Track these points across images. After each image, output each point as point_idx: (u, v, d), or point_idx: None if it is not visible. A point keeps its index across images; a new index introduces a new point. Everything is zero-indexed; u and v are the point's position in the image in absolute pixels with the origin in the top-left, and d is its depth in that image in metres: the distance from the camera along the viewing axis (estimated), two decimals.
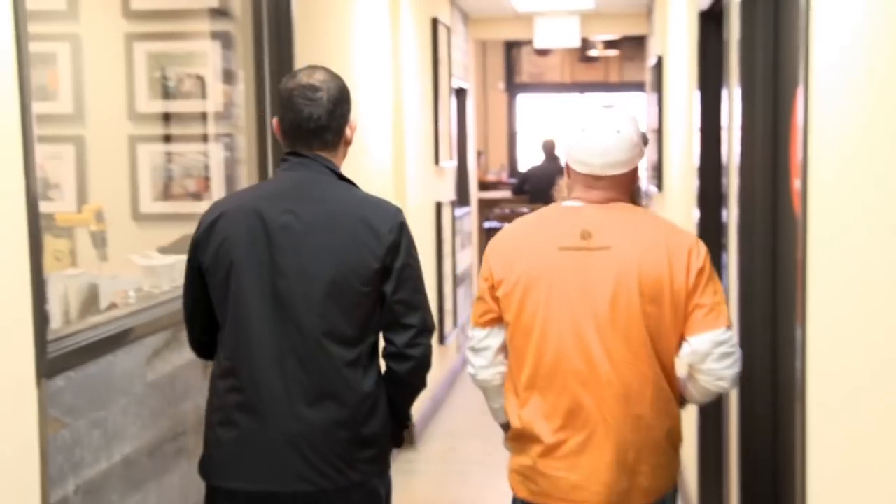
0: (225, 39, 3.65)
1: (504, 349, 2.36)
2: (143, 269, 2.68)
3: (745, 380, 2.65)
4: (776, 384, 2.51)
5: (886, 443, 1.29)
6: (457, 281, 7.02)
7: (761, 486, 2.59)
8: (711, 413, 3.52)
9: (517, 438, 2.33)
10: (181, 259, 2.80)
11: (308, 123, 2.24)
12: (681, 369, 2.31)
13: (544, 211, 2.46)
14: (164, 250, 3.07)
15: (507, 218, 9.96)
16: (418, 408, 4.54)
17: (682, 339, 2.23)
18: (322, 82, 2.26)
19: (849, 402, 1.50)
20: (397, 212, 2.30)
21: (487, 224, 10.09)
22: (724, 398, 3.02)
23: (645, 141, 2.34)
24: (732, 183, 2.82)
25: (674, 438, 2.31)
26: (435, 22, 6.30)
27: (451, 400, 6.03)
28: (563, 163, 2.41)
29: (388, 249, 2.22)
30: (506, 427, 2.40)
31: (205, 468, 2.27)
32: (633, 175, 2.34)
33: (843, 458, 1.54)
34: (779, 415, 2.48)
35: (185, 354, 2.49)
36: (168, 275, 2.69)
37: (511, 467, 2.37)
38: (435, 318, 2.44)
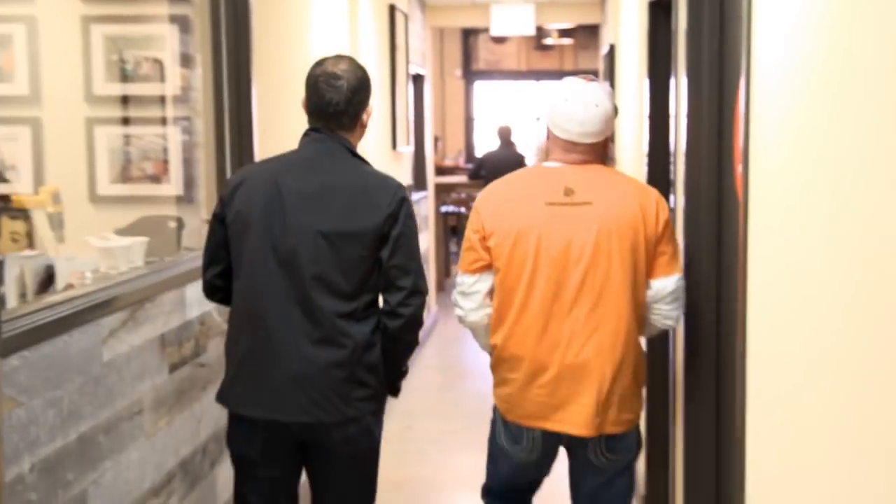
0: (183, 23, 3.62)
1: (491, 293, 2.60)
2: (100, 250, 2.65)
3: (691, 357, 2.69)
4: (719, 364, 2.55)
5: (820, 412, 1.32)
6: None
7: (705, 478, 2.63)
8: (658, 396, 3.57)
9: (500, 365, 2.59)
10: (138, 241, 2.79)
11: (328, 108, 2.51)
12: None
13: (527, 171, 2.78)
14: (121, 232, 3.05)
15: (464, 202, 9.96)
16: None
17: (648, 280, 2.53)
18: (344, 72, 2.52)
19: (784, 380, 1.53)
20: (399, 187, 2.56)
21: (444, 209, 10.09)
22: (672, 373, 3.07)
23: (615, 112, 2.63)
24: (679, 169, 2.85)
25: (639, 375, 2.58)
26: (392, 9, 6.28)
27: (408, 380, 6.03)
28: (544, 126, 2.64)
29: (386, 219, 2.46)
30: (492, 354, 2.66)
31: (225, 397, 2.55)
32: (605, 142, 2.62)
33: (780, 430, 1.57)
34: (721, 389, 2.53)
35: (142, 335, 2.47)
36: (125, 256, 2.67)
37: (497, 396, 2.64)
38: None
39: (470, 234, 2.61)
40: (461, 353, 7.33)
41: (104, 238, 2.74)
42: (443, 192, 10.23)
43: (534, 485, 2.82)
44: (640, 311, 2.53)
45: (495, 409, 2.67)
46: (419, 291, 2.52)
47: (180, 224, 3.44)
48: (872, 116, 1.11)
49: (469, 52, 14.05)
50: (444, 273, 9.61)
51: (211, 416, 2.99)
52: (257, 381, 2.46)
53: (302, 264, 2.44)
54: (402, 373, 2.67)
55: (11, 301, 2.21)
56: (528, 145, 9.84)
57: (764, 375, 1.69)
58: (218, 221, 2.56)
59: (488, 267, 2.57)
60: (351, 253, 2.45)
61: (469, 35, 13.78)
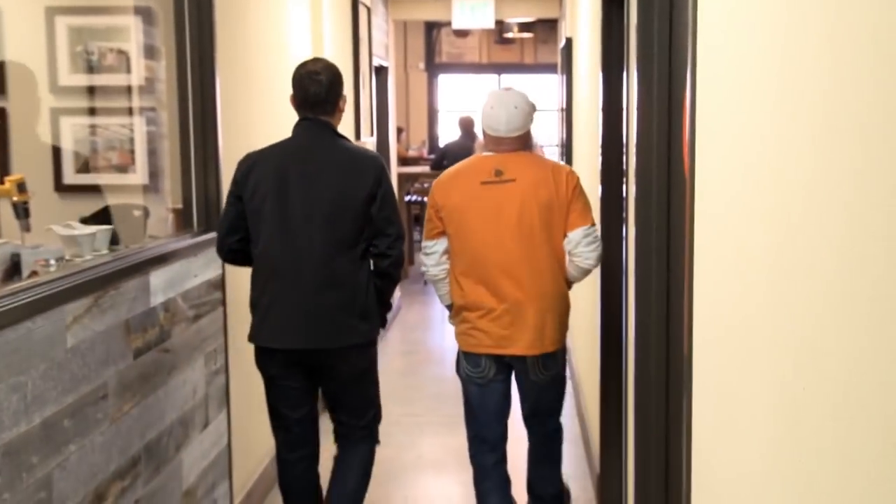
0: (147, 15, 3.58)
1: (446, 252, 3.27)
2: (64, 238, 2.62)
3: (641, 329, 2.71)
4: (669, 331, 2.57)
5: (748, 385, 1.35)
6: None
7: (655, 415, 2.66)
8: (612, 368, 3.60)
9: (460, 311, 3.26)
10: (102, 229, 2.77)
11: (313, 98, 3.09)
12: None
13: (469, 160, 3.41)
14: (87, 221, 3.02)
15: (427, 192, 9.95)
16: None
17: (564, 235, 3.17)
18: (322, 69, 3.13)
19: (723, 341, 1.56)
20: (378, 156, 3.25)
21: (408, 198, 10.07)
22: (624, 346, 3.10)
23: (533, 109, 3.29)
24: (631, 159, 2.87)
25: (563, 308, 3.26)
26: (355, 1, 6.25)
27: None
28: (479, 129, 3.32)
29: (373, 182, 3.07)
30: (450, 307, 3.35)
31: (255, 336, 3.13)
32: (527, 134, 3.29)
33: (719, 392, 1.60)
34: (670, 357, 2.56)
35: (105, 321, 2.45)
36: (89, 244, 2.64)
37: (456, 332, 3.30)
38: None
39: (429, 209, 3.31)
40: (423, 338, 7.34)
41: (68, 226, 2.71)
42: (406, 181, 10.21)
43: (503, 414, 3.39)
44: (560, 259, 3.18)
45: (458, 348, 3.32)
46: (401, 236, 3.15)
47: (146, 213, 3.41)
48: (807, 107, 1.12)
49: (432, 45, 14.03)
50: (409, 261, 9.60)
51: (176, 400, 2.98)
52: (282, 323, 3.04)
53: (311, 227, 3.01)
54: (388, 306, 3.30)
55: None
56: None
57: (708, 344, 1.72)
58: (236, 198, 3.06)
59: (443, 233, 3.26)
60: (348, 212, 3.04)
61: (433, 29, 13.76)
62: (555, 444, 3.53)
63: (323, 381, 3.20)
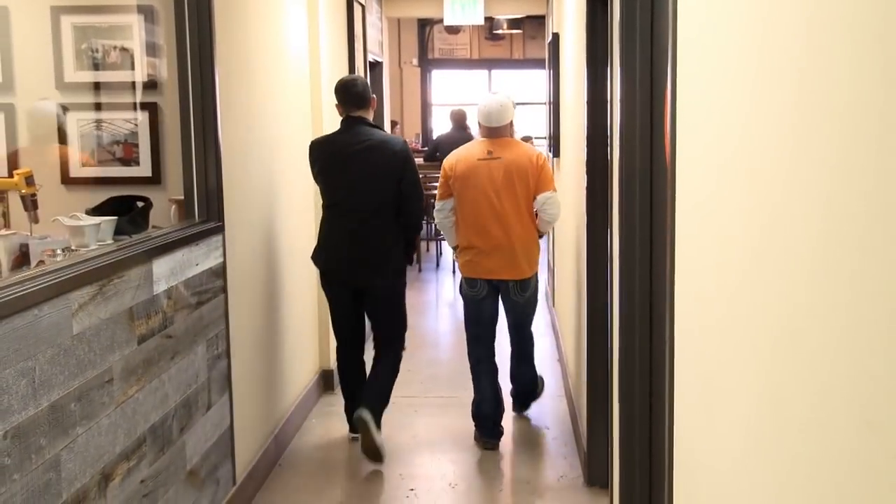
0: (149, 13, 3.56)
1: (453, 209, 4.39)
2: (70, 229, 2.61)
3: (625, 315, 2.72)
4: (652, 317, 2.58)
5: (728, 369, 1.35)
6: None
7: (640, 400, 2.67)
8: (598, 353, 3.60)
9: (462, 249, 4.39)
10: (106, 220, 2.75)
11: (354, 97, 4.21)
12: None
13: (471, 143, 4.47)
14: (92, 212, 3.00)
15: (421, 182, 9.91)
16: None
17: (534, 197, 4.25)
18: (357, 78, 4.30)
19: (704, 326, 1.56)
20: (405, 142, 4.33)
21: None
22: (609, 331, 3.10)
23: (513, 105, 4.41)
24: (615, 151, 2.86)
25: (535, 246, 4.35)
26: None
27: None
28: (476, 123, 4.44)
29: (402, 162, 4.18)
30: (455, 248, 4.47)
31: (318, 263, 4.31)
32: (510, 123, 4.39)
33: (700, 374, 1.60)
34: (653, 341, 2.56)
35: (110, 308, 2.44)
36: (94, 234, 2.63)
37: (459, 264, 4.43)
38: None
39: (441, 177, 4.40)
40: (418, 323, 7.33)
41: (74, 217, 2.70)
42: None
43: (493, 321, 4.48)
44: (531, 213, 4.27)
45: (461, 274, 4.42)
46: (421, 199, 4.24)
47: (148, 204, 3.39)
48: (784, 99, 1.12)
49: (425, 41, 13.99)
50: None
51: (180, 384, 2.97)
52: (336, 259, 4.21)
53: (356, 192, 4.11)
54: (414, 248, 4.42)
55: None
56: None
57: (689, 329, 1.72)
58: (313, 170, 4.25)
59: (451, 194, 4.36)
60: (382, 183, 4.13)
61: (425, 26, 13.71)
62: (528, 346, 4.66)
63: (365, 300, 4.31)
